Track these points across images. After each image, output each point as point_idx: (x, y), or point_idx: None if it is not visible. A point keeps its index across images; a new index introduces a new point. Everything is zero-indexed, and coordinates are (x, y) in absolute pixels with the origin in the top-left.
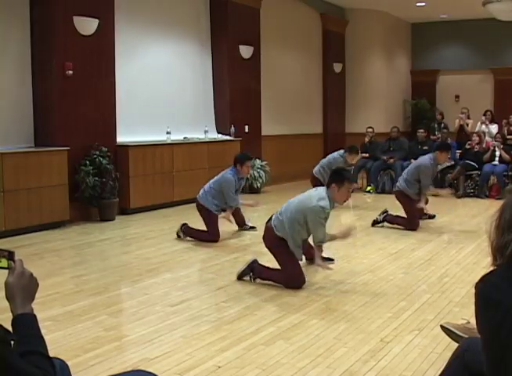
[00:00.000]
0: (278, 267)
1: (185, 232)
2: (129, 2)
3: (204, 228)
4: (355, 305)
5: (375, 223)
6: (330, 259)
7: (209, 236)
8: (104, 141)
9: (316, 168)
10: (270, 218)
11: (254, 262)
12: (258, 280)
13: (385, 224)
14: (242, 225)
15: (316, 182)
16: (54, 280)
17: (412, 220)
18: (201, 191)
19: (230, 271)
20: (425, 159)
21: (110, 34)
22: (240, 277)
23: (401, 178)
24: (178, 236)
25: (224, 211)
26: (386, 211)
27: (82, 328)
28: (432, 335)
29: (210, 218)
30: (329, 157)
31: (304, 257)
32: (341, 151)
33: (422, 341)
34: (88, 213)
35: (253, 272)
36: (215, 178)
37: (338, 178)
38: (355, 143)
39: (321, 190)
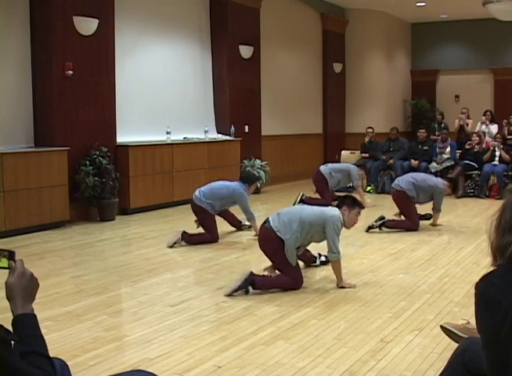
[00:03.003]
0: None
1: (185, 239)
2: (129, 2)
3: (199, 230)
4: (355, 305)
5: (370, 229)
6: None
7: (210, 238)
8: (104, 141)
9: (327, 170)
10: (266, 221)
11: (251, 274)
12: (252, 291)
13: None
14: (238, 225)
15: (321, 182)
16: (54, 280)
17: (414, 221)
18: (197, 192)
19: (230, 271)
20: (439, 183)
21: (110, 34)
22: (233, 292)
23: (404, 180)
24: (174, 244)
25: (218, 213)
26: (383, 218)
27: (82, 328)
28: (432, 335)
29: (207, 219)
30: (345, 165)
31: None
32: (357, 169)
33: (422, 341)
34: (88, 213)
35: (253, 285)
36: (218, 185)
37: (349, 202)
38: (355, 143)
39: (336, 209)
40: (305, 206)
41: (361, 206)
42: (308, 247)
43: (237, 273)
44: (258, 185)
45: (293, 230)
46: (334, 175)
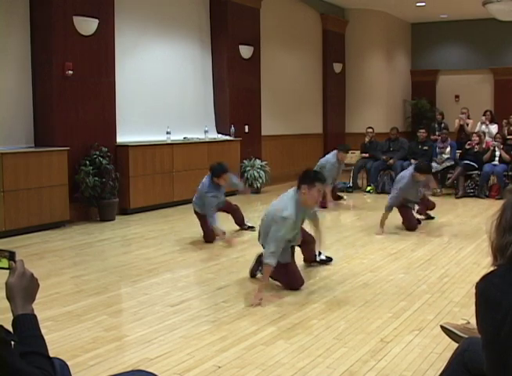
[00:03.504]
0: None
1: None
2: (129, 2)
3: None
4: (355, 305)
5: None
6: (329, 259)
7: (205, 237)
8: (104, 141)
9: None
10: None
11: (261, 255)
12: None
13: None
14: (241, 225)
15: None
16: (54, 280)
17: (408, 223)
18: (195, 195)
19: (230, 271)
20: (405, 176)
21: (110, 34)
22: (253, 274)
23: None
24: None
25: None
26: None
27: (82, 328)
28: (432, 335)
29: (202, 220)
30: (324, 159)
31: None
32: (335, 151)
33: (422, 341)
34: (88, 213)
35: (261, 266)
36: (200, 187)
37: (308, 179)
38: (355, 143)
39: (290, 194)
40: (274, 202)
41: (322, 181)
42: None
43: (237, 272)
44: (258, 184)
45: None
46: None
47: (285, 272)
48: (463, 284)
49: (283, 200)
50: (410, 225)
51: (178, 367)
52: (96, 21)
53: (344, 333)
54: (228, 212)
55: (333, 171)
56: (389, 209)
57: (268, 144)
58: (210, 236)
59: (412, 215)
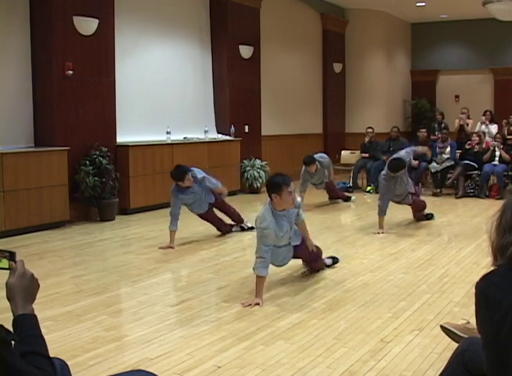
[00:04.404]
0: None
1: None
2: (129, 2)
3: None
4: (355, 305)
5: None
6: (334, 258)
7: (218, 230)
8: (104, 141)
9: None
10: None
11: None
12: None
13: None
14: (239, 221)
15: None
16: (54, 280)
17: (417, 205)
18: None
19: (230, 271)
20: (381, 177)
21: (110, 34)
22: None
23: None
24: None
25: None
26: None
27: (82, 328)
28: (432, 335)
29: (204, 218)
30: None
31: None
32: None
33: (422, 341)
34: (88, 213)
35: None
36: None
37: (275, 187)
38: (355, 143)
39: (266, 206)
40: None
41: (287, 182)
42: None
43: (237, 272)
44: (258, 184)
45: None
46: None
47: (303, 249)
48: (463, 284)
49: (261, 211)
50: (417, 208)
51: (178, 367)
52: (96, 21)
53: (344, 333)
54: (224, 213)
55: (306, 181)
56: (382, 214)
57: (268, 144)
58: (222, 225)
59: (418, 201)
